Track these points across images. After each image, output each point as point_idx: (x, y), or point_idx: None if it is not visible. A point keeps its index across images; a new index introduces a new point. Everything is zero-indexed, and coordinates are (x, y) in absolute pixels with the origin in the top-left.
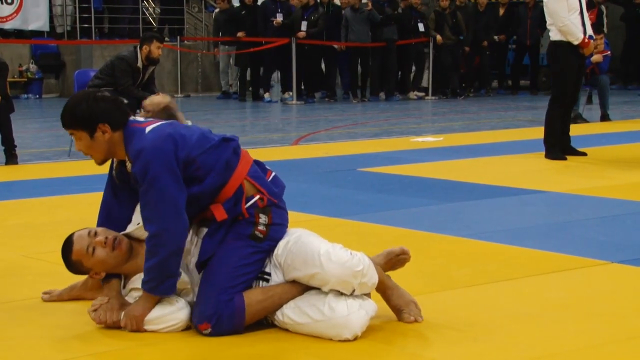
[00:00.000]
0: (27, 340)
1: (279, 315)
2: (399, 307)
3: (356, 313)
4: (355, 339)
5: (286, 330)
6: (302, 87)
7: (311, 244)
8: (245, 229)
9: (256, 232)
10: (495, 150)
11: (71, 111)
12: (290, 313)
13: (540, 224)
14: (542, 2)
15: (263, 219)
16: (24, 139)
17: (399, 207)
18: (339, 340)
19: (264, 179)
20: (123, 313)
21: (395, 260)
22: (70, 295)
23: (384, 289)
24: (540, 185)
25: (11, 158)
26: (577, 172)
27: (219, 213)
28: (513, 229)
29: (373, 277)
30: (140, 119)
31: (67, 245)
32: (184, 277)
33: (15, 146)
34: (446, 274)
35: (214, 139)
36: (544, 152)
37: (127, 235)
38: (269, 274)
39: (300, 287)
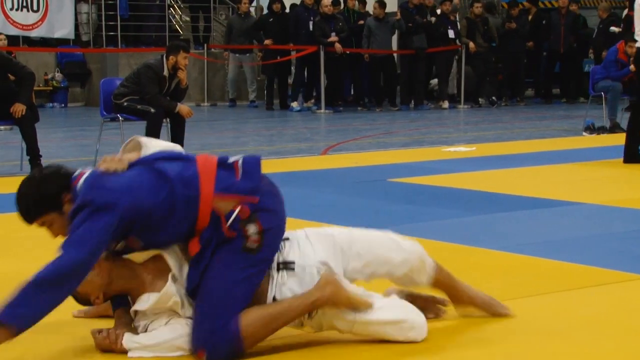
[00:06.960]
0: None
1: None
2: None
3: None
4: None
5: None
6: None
7: (364, 233)
8: (236, 243)
9: (248, 245)
10: (530, 161)
11: (28, 201)
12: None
13: (576, 237)
14: (573, 8)
15: (252, 229)
16: (49, 149)
17: (430, 219)
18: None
19: (234, 183)
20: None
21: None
22: (98, 312)
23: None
24: (577, 196)
25: (36, 168)
26: (616, 183)
27: (193, 247)
28: (548, 242)
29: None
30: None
31: None
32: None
33: (41, 156)
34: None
35: (166, 184)
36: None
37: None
38: (293, 262)
39: (307, 302)
